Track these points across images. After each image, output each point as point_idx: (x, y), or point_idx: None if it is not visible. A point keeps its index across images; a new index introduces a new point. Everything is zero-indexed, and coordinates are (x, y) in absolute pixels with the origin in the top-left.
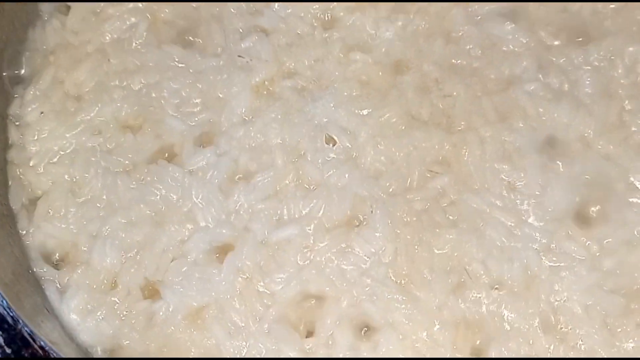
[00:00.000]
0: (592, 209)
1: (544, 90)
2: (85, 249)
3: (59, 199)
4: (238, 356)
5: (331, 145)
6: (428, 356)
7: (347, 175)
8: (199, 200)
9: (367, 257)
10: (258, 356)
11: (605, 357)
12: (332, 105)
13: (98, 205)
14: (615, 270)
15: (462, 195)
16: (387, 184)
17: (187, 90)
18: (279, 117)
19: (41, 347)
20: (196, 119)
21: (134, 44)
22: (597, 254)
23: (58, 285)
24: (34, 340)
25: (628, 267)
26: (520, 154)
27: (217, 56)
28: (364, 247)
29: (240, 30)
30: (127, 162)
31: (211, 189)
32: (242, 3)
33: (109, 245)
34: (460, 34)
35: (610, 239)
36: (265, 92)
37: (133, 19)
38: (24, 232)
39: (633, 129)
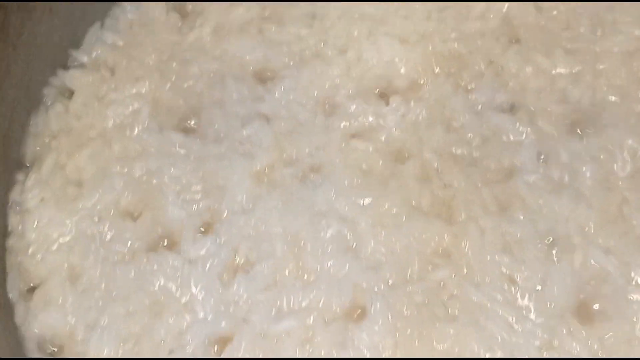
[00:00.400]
0: (593, 304)
1: (544, 181)
2: (82, 339)
3: (56, 288)
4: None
5: (331, 235)
6: None
7: (347, 266)
8: (198, 290)
9: (367, 351)
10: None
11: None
12: (332, 193)
13: (96, 294)
14: None
15: (462, 288)
16: (387, 276)
17: (188, 177)
18: (280, 205)
19: None
20: (197, 206)
21: (136, 130)
22: (599, 354)
23: None
24: None
25: None
26: (521, 246)
27: (219, 143)
28: (364, 341)
29: (242, 116)
30: (126, 250)
31: (210, 278)
32: (244, 89)
33: (106, 336)
34: (460, 123)
35: (610, 337)
36: (266, 180)
37: (136, 104)
38: (21, 322)
39: (634, 222)
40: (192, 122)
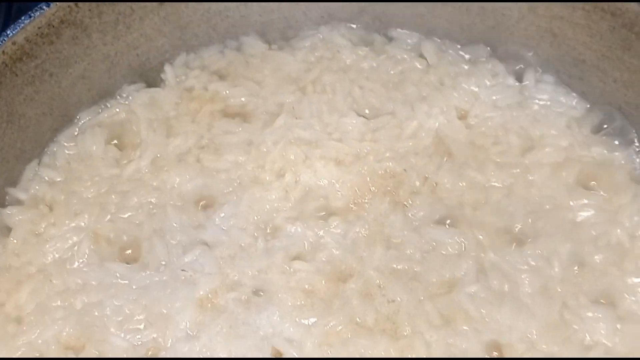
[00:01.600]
0: None
1: (485, 292)
2: None
3: None
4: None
5: (277, 356)
6: None
7: None
8: None
9: None
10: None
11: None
12: (277, 316)
13: None
14: None
15: None
16: None
17: (131, 307)
18: (224, 330)
19: None
20: (140, 336)
21: (76, 264)
22: None
23: None
24: None
25: None
26: (467, 356)
27: (160, 271)
28: None
29: (183, 244)
30: None
31: None
32: (184, 218)
33: None
34: (400, 239)
35: None
36: (209, 305)
37: (75, 238)
38: None
39: (574, 327)
40: (133, 252)
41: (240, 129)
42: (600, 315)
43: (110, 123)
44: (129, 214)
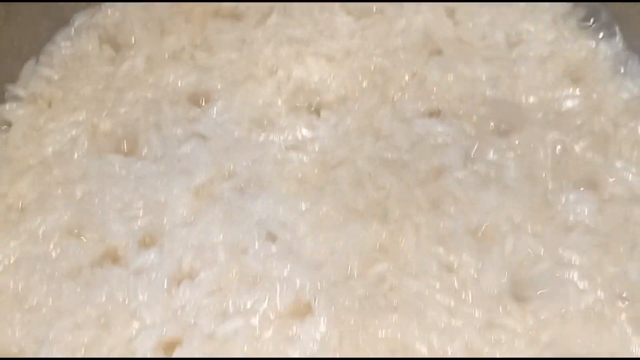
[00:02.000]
0: (526, 285)
1: (472, 177)
2: (31, 353)
3: (3, 307)
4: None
5: (272, 240)
6: None
7: (288, 267)
8: (145, 299)
9: (313, 344)
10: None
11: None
12: (271, 202)
13: (44, 310)
14: (552, 342)
15: (401, 280)
16: (329, 274)
17: (129, 195)
18: (220, 216)
19: None
20: (139, 222)
21: (75, 155)
22: (534, 329)
23: None
24: None
25: (563, 338)
26: (454, 237)
27: (157, 162)
28: (310, 335)
29: (179, 136)
30: (71, 267)
31: (157, 287)
32: (179, 112)
33: (55, 349)
34: (389, 131)
35: (544, 313)
36: (205, 194)
37: (74, 132)
38: None
39: (558, 208)
40: (130, 145)
41: (233, 28)
42: (583, 197)
43: (105, 24)
44: (126, 109)
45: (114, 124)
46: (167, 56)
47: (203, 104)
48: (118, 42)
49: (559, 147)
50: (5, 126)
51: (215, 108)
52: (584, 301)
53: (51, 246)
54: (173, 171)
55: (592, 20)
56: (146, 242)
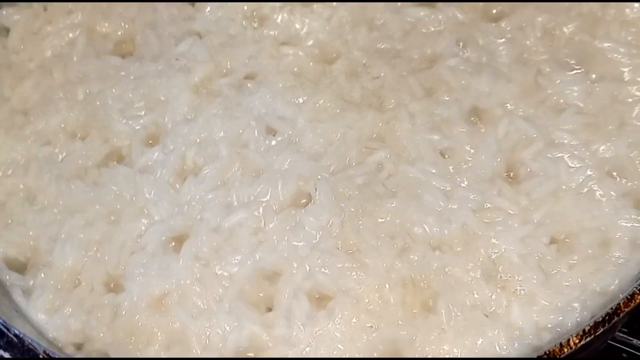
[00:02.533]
0: (519, 166)
1: (465, 64)
2: (45, 251)
3: (16, 208)
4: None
5: (272, 133)
6: (380, 312)
7: (289, 160)
8: (151, 196)
9: (316, 232)
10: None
11: None
12: (269, 97)
13: (55, 210)
14: (545, 220)
15: (398, 167)
16: (328, 164)
17: (130, 95)
18: (220, 112)
19: (16, 335)
20: (141, 121)
21: (74, 58)
22: (528, 208)
23: (23, 288)
24: (7, 330)
25: (555, 216)
26: (449, 124)
27: (155, 61)
28: (312, 223)
29: (175, 35)
30: (78, 167)
31: (162, 184)
32: (174, 10)
33: (68, 246)
34: (382, 21)
35: (537, 193)
36: (204, 91)
37: (71, 35)
38: None
39: (549, 91)
40: (128, 46)
41: None
42: (572, 79)
43: None
44: (121, 9)
45: (111, 24)
46: None
47: (197, 2)
48: None
49: (548, 30)
50: (2, 31)
51: (209, 6)
52: (575, 179)
53: (57, 148)
54: (171, 69)
55: None
56: (149, 140)
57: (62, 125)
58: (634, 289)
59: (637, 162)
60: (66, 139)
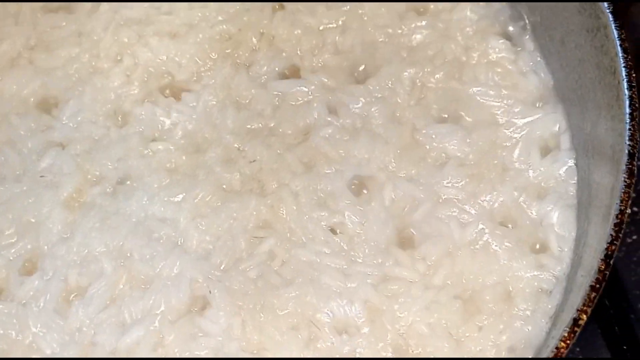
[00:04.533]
0: (411, 231)
1: (340, 132)
2: None
3: None
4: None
5: (155, 239)
6: None
7: (177, 264)
8: (38, 329)
9: (219, 337)
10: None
11: None
12: (145, 199)
13: None
14: (446, 283)
15: (290, 252)
16: (218, 261)
17: None
18: (97, 225)
19: None
20: (14, 250)
21: None
22: (427, 272)
23: None
24: None
25: (456, 277)
26: (334, 198)
27: (19, 181)
28: (212, 328)
29: (36, 150)
30: None
31: (48, 314)
32: (31, 123)
33: None
34: (248, 99)
35: (433, 256)
36: (77, 205)
37: None
38: None
39: (427, 146)
40: None
41: (65, 22)
42: (448, 130)
43: None
44: None
45: None
46: (4, 64)
47: (53, 109)
48: None
49: (416, 83)
50: None
51: (67, 111)
52: (467, 235)
53: None
54: (38, 187)
55: None
56: (27, 268)
57: None
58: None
59: (525, 205)
60: None
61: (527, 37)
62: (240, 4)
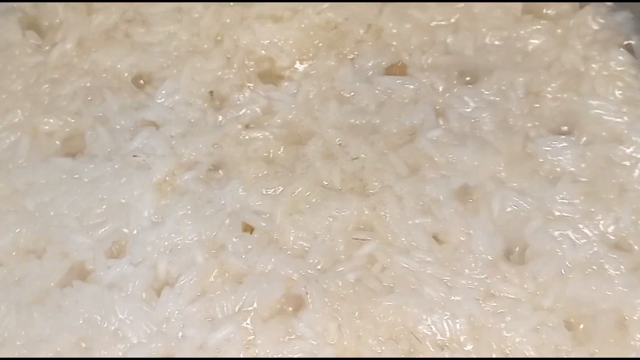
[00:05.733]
0: (520, 246)
1: (448, 136)
2: None
3: None
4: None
5: (249, 231)
6: None
7: (272, 260)
8: (125, 316)
9: (313, 341)
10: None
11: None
12: (241, 190)
13: (18, 343)
14: (556, 305)
15: (392, 258)
16: (315, 261)
17: (87, 201)
18: (190, 212)
19: None
20: (102, 230)
21: (19, 162)
22: (536, 292)
23: None
24: None
25: (566, 299)
26: (439, 204)
27: (110, 160)
28: (307, 331)
29: (129, 128)
30: (38, 290)
31: (135, 301)
32: (125, 99)
33: None
34: (352, 93)
35: (544, 275)
36: (169, 189)
37: (12, 137)
38: None
39: (540, 159)
40: (77, 144)
41: None
42: (563, 143)
43: (23, 6)
44: (65, 103)
45: (55, 121)
46: (99, 36)
47: (148, 86)
48: (42, 25)
49: (531, 90)
50: None
51: (162, 90)
52: (581, 256)
53: (11, 270)
54: (129, 168)
55: None
56: (114, 251)
57: (15, 243)
58: None
59: None
60: (20, 258)
61: None
62: None
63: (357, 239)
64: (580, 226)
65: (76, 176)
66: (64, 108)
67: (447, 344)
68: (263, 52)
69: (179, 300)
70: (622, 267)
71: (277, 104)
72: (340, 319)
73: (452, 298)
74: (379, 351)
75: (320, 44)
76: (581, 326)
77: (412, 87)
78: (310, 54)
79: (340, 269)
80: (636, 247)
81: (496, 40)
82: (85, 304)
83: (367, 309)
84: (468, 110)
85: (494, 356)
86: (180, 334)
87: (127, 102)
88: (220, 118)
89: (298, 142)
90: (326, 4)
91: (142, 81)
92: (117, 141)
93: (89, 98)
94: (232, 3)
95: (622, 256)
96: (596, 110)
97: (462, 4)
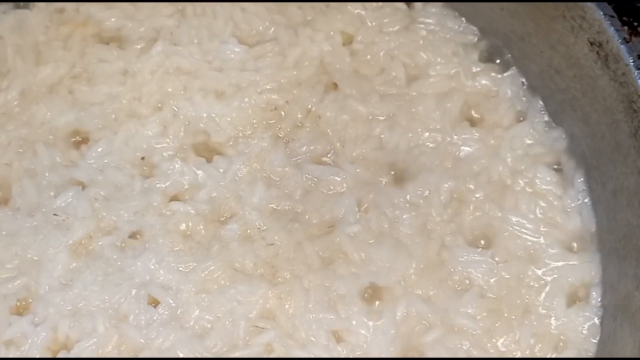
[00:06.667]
0: (418, 354)
1: (365, 233)
2: None
3: None
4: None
5: (154, 305)
6: None
7: (171, 337)
8: None
9: None
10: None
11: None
12: (154, 261)
13: None
14: None
15: (288, 350)
16: (213, 344)
17: (1, 254)
18: (99, 278)
19: None
20: (10, 286)
21: None
22: None
23: None
24: None
25: None
26: (345, 302)
27: (32, 215)
28: None
29: (56, 184)
30: None
31: None
32: (56, 156)
33: None
34: (280, 177)
35: None
36: (84, 252)
37: None
38: None
39: (451, 269)
40: (3, 194)
41: (115, 56)
42: (478, 256)
43: None
44: None
45: None
46: (43, 89)
47: (82, 145)
48: None
49: (455, 197)
50: None
51: (95, 151)
52: None
53: None
54: (49, 225)
55: (494, 57)
56: (19, 308)
57: None
58: None
59: (539, 354)
60: None
61: (580, 177)
62: (294, 76)
63: (257, 327)
64: (479, 342)
65: None
66: None
67: None
68: (201, 125)
69: None
70: None
71: (205, 179)
72: None
73: None
74: None
75: (257, 124)
76: None
77: (338, 178)
78: (248, 133)
79: (236, 354)
80: None
81: (430, 142)
82: None
83: None
84: (390, 208)
85: None
86: None
87: (58, 158)
88: (146, 186)
89: (218, 220)
90: (270, 85)
91: (78, 138)
92: (42, 197)
93: (21, 150)
94: (179, 74)
95: None
96: (515, 227)
97: (402, 102)
